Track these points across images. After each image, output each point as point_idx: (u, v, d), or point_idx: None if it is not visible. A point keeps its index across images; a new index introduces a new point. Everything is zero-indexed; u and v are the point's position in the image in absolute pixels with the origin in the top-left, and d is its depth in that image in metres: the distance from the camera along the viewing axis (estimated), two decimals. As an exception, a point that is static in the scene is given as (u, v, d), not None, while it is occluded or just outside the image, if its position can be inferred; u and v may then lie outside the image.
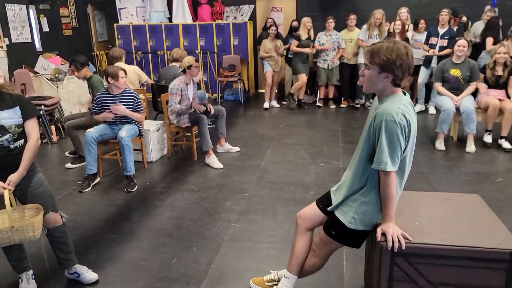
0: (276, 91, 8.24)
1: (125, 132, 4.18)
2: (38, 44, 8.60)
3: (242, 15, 8.50)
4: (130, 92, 4.34)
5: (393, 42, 1.85)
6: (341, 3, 8.26)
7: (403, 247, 1.88)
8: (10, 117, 2.38)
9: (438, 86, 5.30)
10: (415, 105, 7.07)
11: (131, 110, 4.26)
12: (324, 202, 2.29)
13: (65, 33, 9.23)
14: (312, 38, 7.16)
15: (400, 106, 1.84)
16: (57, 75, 6.36)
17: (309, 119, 6.78)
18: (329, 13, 7.63)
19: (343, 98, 7.53)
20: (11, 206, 2.36)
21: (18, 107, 2.42)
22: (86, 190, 4.06)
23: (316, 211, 2.31)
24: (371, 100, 7.47)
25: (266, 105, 7.46)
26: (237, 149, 5.16)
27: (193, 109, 4.78)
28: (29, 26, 8.15)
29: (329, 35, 7.14)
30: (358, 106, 7.38)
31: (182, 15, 8.57)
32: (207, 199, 3.86)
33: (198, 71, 4.77)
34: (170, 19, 8.76)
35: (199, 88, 8.30)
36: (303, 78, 7.10)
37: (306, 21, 7.07)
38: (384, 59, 1.81)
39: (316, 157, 4.86)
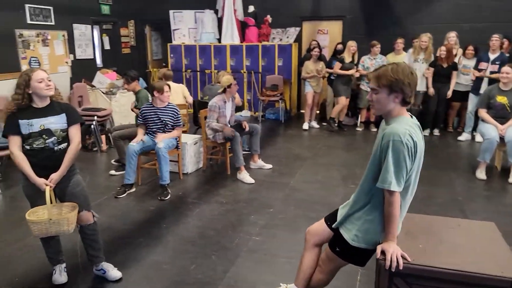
0: (317, 112, 8.32)
1: (163, 143, 4.45)
2: (99, 61, 9.33)
3: (287, 37, 8.72)
4: (172, 107, 4.63)
5: (396, 64, 1.93)
6: (389, 27, 8.24)
7: (401, 267, 1.89)
8: (56, 122, 2.68)
9: (482, 112, 5.13)
10: (461, 133, 6.85)
11: (171, 124, 4.55)
12: (332, 219, 2.35)
13: (123, 51, 9.94)
14: (355, 62, 7.20)
15: (407, 128, 1.89)
16: (111, 89, 6.87)
17: (347, 141, 6.77)
18: (375, 37, 7.64)
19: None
20: (51, 202, 2.64)
21: (64, 114, 2.73)
22: (121, 196, 4.34)
23: (324, 227, 2.37)
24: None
25: (305, 125, 7.55)
26: (270, 166, 5.27)
27: (229, 126, 4.99)
28: (92, 44, 8.90)
29: (374, 58, 7.14)
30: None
31: (231, 37, 8.95)
32: (233, 212, 3.99)
33: (237, 88, 4.99)
34: (219, 40, 9.17)
35: (243, 108, 8.61)
36: (342, 101, 7.14)
37: (351, 44, 7.13)
38: (392, 80, 1.88)
39: (347, 179, 4.86)
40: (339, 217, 2.21)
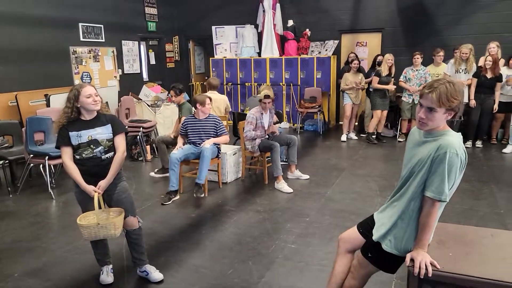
0: (356, 123, 8.32)
1: (209, 144, 4.67)
2: (145, 75, 9.82)
3: (326, 50, 8.81)
4: (213, 117, 4.85)
5: (452, 84, 1.94)
6: (428, 38, 8.15)
7: (429, 274, 1.93)
8: (103, 132, 2.91)
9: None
10: (506, 146, 6.62)
11: (213, 134, 4.76)
12: (364, 226, 2.42)
13: (168, 66, 10.41)
14: (392, 75, 7.17)
15: (460, 141, 1.97)
16: (156, 102, 7.23)
17: (386, 152, 6.72)
18: (415, 48, 7.58)
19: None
20: (99, 207, 2.88)
21: (110, 125, 2.97)
22: (167, 203, 4.57)
23: (356, 234, 2.44)
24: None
25: (343, 137, 7.56)
26: (307, 176, 5.35)
27: (266, 137, 5.14)
28: (139, 59, 9.40)
29: (416, 70, 7.09)
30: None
31: (270, 50, 9.16)
32: (270, 220, 4.11)
33: (268, 106, 5.14)
34: (259, 53, 9.40)
35: (281, 120, 8.75)
36: (378, 114, 7.15)
37: (388, 57, 7.12)
38: (453, 101, 1.92)
39: (385, 190, 4.85)
40: (377, 222, 2.26)
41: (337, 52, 8.97)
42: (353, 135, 7.73)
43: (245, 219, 4.16)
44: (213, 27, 9.72)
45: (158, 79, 9.84)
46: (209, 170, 5.06)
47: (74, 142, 2.82)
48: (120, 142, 2.98)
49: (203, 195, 4.58)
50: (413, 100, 7.11)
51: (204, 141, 4.79)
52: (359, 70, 7.49)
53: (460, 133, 2.07)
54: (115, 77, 8.69)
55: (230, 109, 6.22)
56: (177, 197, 4.74)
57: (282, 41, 9.23)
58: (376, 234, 2.20)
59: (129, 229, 3.08)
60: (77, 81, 7.75)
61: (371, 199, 4.59)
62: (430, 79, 7.01)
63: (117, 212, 2.97)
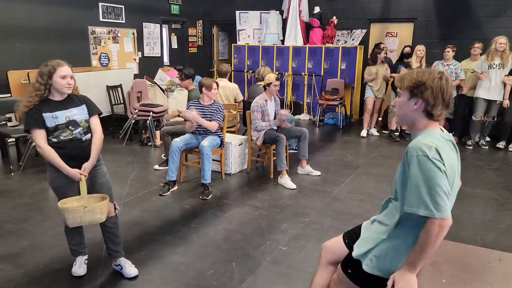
0: (380, 118, 7.84)
1: (207, 142, 4.41)
2: (166, 59, 9.67)
3: (353, 39, 8.33)
4: (217, 105, 4.58)
5: (430, 69, 1.67)
6: (465, 30, 7.52)
7: (409, 305, 1.60)
8: (79, 113, 2.71)
9: None
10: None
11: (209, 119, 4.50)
12: (351, 236, 2.11)
13: (190, 51, 10.20)
14: (423, 68, 6.64)
15: (434, 141, 1.59)
16: (170, 86, 7.04)
17: (408, 151, 6.25)
18: (449, 41, 7.01)
19: (453, 133, 6.78)
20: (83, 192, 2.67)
21: (84, 105, 2.76)
22: (165, 194, 4.35)
23: (341, 244, 2.13)
24: (487, 138, 6.58)
25: (363, 132, 7.12)
26: (318, 173, 5.02)
27: (272, 127, 4.82)
28: (160, 43, 9.24)
29: (447, 64, 6.54)
30: (470, 147, 6.48)
31: (294, 38, 8.76)
32: (266, 218, 3.82)
33: (277, 89, 4.82)
34: (282, 41, 9.03)
35: (301, 112, 8.37)
36: (404, 108, 6.62)
37: (418, 49, 6.59)
38: (412, 81, 1.64)
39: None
40: (362, 235, 1.95)
41: (364, 42, 8.46)
42: (374, 131, 7.27)
43: (241, 215, 3.89)
44: (237, 12, 9.41)
45: (179, 64, 9.65)
46: (212, 160, 4.83)
47: (49, 124, 2.60)
48: (97, 123, 2.81)
49: (209, 197, 4.30)
50: (442, 96, 6.57)
51: (205, 130, 4.53)
52: (386, 61, 6.99)
53: (450, 132, 1.72)
54: (134, 59, 8.57)
55: (242, 98, 5.92)
56: (176, 187, 4.52)
57: (307, 28, 8.81)
58: (356, 250, 1.88)
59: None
60: (94, 61, 7.68)
61: (381, 202, 4.20)
62: (463, 75, 6.46)
63: (99, 198, 2.77)
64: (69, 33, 7.14)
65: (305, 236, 3.47)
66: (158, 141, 6.40)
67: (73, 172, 2.64)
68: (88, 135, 2.75)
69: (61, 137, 2.63)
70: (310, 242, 3.38)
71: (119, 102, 7.03)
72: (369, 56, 8.12)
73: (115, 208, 2.92)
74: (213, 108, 4.55)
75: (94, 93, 6.58)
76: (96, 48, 7.68)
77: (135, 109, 6.34)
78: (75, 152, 2.68)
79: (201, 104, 4.60)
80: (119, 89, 7.07)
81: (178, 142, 4.46)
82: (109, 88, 6.87)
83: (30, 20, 6.44)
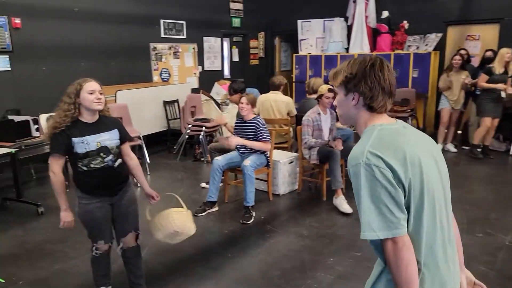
0: (459, 132, 6.94)
1: (250, 161, 4.07)
2: (226, 72, 9.57)
3: (426, 45, 7.51)
4: (256, 120, 4.22)
5: (362, 57, 1.39)
6: None
7: None
8: (111, 138, 2.48)
9: None
10: None
11: (253, 139, 4.15)
12: None
13: (251, 63, 10.02)
14: (510, 74, 5.72)
15: (370, 142, 1.26)
16: (225, 100, 6.84)
17: (492, 171, 5.37)
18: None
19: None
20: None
21: (116, 130, 2.54)
22: (199, 215, 4.08)
23: None
24: None
25: (438, 148, 6.29)
26: (349, 210, 4.23)
27: (326, 143, 4.34)
28: (221, 56, 9.17)
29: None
30: None
31: (360, 45, 8.17)
32: (311, 250, 3.35)
33: (330, 102, 4.33)
34: (347, 49, 8.47)
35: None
36: (487, 122, 5.73)
37: (505, 52, 5.69)
38: (344, 75, 1.37)
39: (475, 224, 3.71)
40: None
41: (440, 47, 7.61)
42: (451, 147, 6.40)
43: (283, 245, 3.47)
44: (299, 21, 9.04)
45: (240, 76, 9.50)
46: (258, 179, 4.48)
47: (80, 150, 2.37)
48: (129, 149, 2.69)
49: (250, 221, 3.94)
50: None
51: (245, 147, 4.20)
52: (463, 67, 6.14)
53: (401, 122, 1.36)
54: (195, 73, 8.56)
55: (296, 113, 5.49)
56: (215, 208, 4.22)
57: (374, 34, 8.17)
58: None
59: (125, 247, 2.65)
60: (155, 77, 7.76)
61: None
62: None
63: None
64: (131, 50, 7.26)
65: (354, 276, 2.94)
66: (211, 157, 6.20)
67: (63, 215, 2.48)
68: (119, 160, 2.53)
69: (92, 165, 2.41)
70: (359, 283, 2.84)
71: (175, 117, 6.99)
72: (448, 63, 7.28)
73: (137, 238, 2.67)
74: (249, 124, 4.19)
75: (152, 108, 6.60)
76: (157, 64, 7.76)
77: (188, 124, 6.21)
78: (108, 181, 2.48)
79: (242, 120, 4.29)
80: (175, 104, 7.03)
81: (219, 161, 4.18)
82: (165, 103, 6.85)
83: (94, 38, 6.63)
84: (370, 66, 1.34)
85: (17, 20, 5.61)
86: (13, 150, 4.11)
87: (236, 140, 4.12)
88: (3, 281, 3.00)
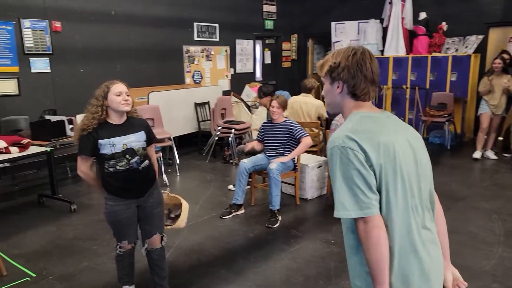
0: (501, 138, 6.61)
1: (276, 164, 4.03)
2: (258, 74, 9.57)
3: (466, 47, 7.21)
4: (290, 122, 4.19)
5: (346, 47, 1.44)
6: None
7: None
8: (137, 140, 2.51)
9: None
10: None
11: (286, 143, 4.12)
12: None
13: (283, 65, 9.98)
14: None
15: (349, 127, 1.34)
16: (255, 103, 6.84)
17: (534, 181, 5.07)
18: None
19: None
20: None
21: (143, 132, 2.57)
22: (225, 217, 4.08)
23: None
24: None
25: (476, 154, 6.02)
26: None
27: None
28: (253, 58, 9.18)
29: None
30: None
31: (395, 48, 7.94)
32: (337, 257, 3.27)
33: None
34: (382, 51, 8.26)
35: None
36: (530, 127, 5.42)
37: (551, 53, 5.38)
38: (329, 64, 1.44)
39: (514, 236, 3.51)
40: None
41: (481, 49, 7.28)
42: (490, 154, 6.10)
43: (308, 250, 3.40)
44: (333, 23, 8.91)
45: (272, 79, 9.49)
46: (285, 183, 4.43)
47: (107, 152, 2.41)
48: (153, 151, 2.72)
49: (276, 225, 3.91)
50: None
51: (276, 149, 4.16)
52: (505, 71, 5.84)
53: (383, 111, 1.44)
54: (226, 76, 8.61)
55: (326, 116, 5.40)
56: (241, 211, 4.20)
57: (410, 37, 7.91)
58: None
59: (150, 248, 2.67)
60: (188, 79, 7.86)
61: (488, 247, 3.34)
62: None
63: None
64: (165, 52, 7.39)
65: (381, 286, 2.83)
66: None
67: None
68: (146, 162, 2.55)
69: (118, 167, 2.44)
70: (386, 294, 2.74)
71: (206, 119, 7.04)
72: (488, 66, 6.96)
73: (161, 240, 2.69)
74: (284, 128, 4.16)
75: (183, 110, 6.69)
76: (190, 66, 7.86)
77: (218, 126, 6.24)
78: (132, 184, 2.51)
79: (272, 123, 4.26)
80: (206, 106, 7.09)
81: (246, 164, 4.16)
82: (196, 105, 6.92)
83: (129, 41, 6.80)
84: (353, 55, 1.39)
85: (57, 24, 5.84)
86: (48, 148, 4.26)
87: (278, 161, 4.06)
88: (34, 275, 3.10)
